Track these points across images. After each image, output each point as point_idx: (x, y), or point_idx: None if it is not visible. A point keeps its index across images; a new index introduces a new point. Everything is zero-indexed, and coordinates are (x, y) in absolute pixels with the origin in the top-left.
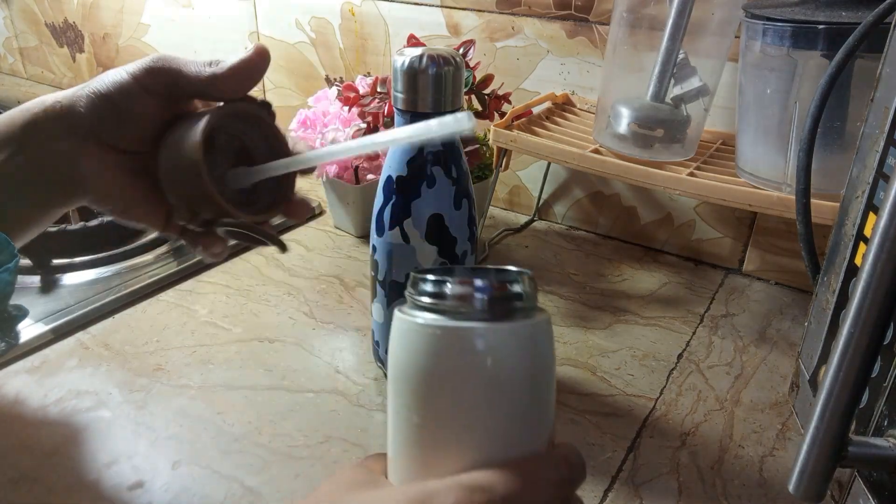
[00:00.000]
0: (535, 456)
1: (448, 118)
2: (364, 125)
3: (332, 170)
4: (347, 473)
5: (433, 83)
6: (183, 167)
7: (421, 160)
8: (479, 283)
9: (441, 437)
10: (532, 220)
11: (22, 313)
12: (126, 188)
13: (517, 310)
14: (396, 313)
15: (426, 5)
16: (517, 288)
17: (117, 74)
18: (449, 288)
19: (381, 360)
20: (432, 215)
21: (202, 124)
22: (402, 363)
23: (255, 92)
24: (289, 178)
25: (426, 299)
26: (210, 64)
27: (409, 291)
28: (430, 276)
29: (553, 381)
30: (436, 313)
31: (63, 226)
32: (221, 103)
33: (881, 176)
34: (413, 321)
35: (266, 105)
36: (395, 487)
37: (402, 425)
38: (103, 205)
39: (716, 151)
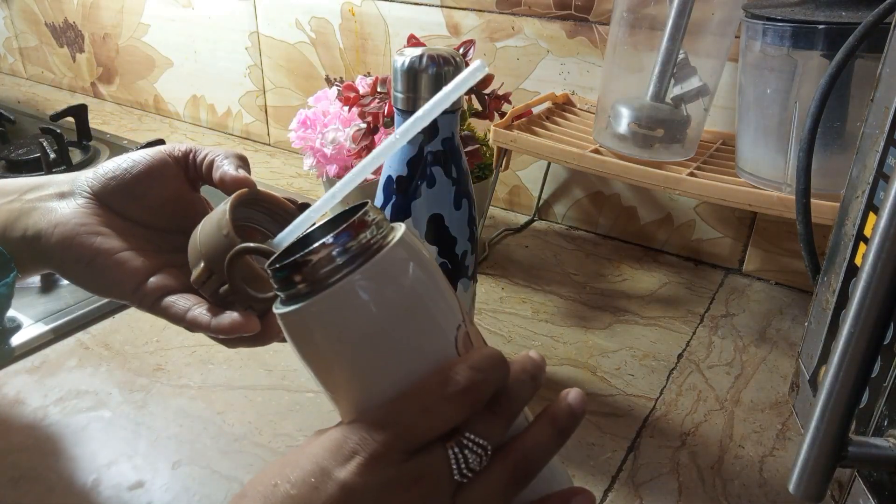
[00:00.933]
0: (434, 373)
1: (463, 72)
2: (364, 125)
3: (332, 170)
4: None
5: (433, 83)
6: (217, 238)
7: (421, 160)
8: (297, 269)
9: (344, 398)
10: (532, 220)
11: (15, 325)
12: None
13: (367, 248)
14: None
15: (426, 5)
16: (351, 235)
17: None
18: (279, 280)
19: None
20: (432, 215)
21: (229, 203)
22: (296, 354)
23: (254, 90)
24: None
25: (283, 291)
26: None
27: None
28: (280, 266)
29: (434, 290)
30: (289, 301)
31: None
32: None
33: (881, 176)
34: (282, 313)
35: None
36: (319, 438)
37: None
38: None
39: (716, 151)
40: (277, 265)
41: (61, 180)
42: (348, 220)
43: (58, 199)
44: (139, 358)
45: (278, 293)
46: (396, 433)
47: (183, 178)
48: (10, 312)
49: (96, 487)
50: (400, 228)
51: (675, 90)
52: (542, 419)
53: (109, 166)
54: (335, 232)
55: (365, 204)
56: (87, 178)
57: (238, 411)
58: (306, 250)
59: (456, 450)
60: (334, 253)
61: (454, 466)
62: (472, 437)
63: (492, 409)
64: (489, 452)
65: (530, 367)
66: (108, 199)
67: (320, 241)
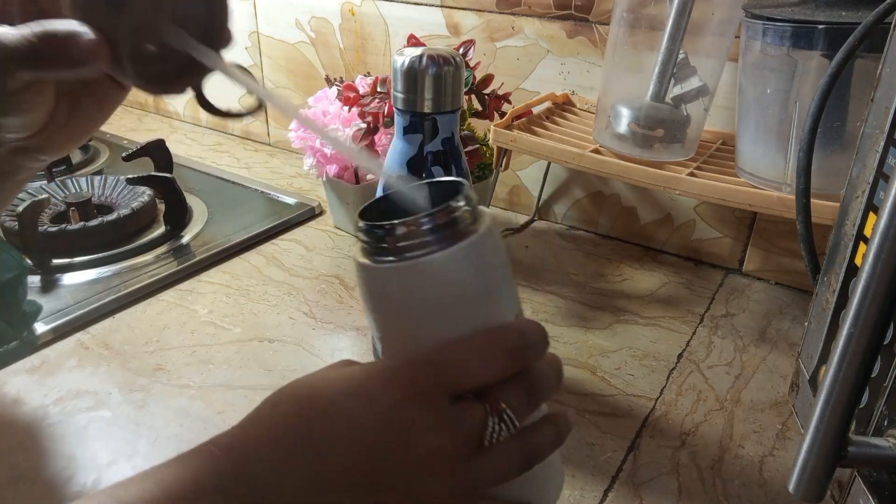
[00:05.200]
0: (487, 330)
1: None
2: (364, 125)
3: (332, 170)
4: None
5: (433, 83)
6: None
7: (421, 160)
8: (404, 228)
9: (400, 348)
10: (532, 220)
11: (36, 308)
12: None
13: (457, 231)
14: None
15: (426, 5)
16: (448, 216)
17: None
18: (370, 235)
19: None
20: None
21: None
22: (364, 300)
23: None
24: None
25: (369, 246)
26: None
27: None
28: (374, 226)
29: (504, 279)
30: (377, 255)
31: (63, 226)
32: None
33: (881, 176)
34: (363, 264)
35: None
36: (361, 367)
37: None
38: None
39: (716, 151)
40: (373, 224)
41: None
42: (445, 192)
43: None
44: (139, 358)
45: (364, 243)
46: (446, 372)
47: None
48: (29, 295)
49: (96, 487)
50: (488, 216)
51: (675, 90)
52: (548, 421)
53: None
54: (435, 211)
55: (463, 184)
56: None
57: (238, 411)
58: (406, 220)
59: (495, 419)
60: (428, 228)
61: (488, 432)
62: (509, 412)
63: (528, 392)
64: (516, 427)
65: (557, 364)
66: None
67: (420, 216)
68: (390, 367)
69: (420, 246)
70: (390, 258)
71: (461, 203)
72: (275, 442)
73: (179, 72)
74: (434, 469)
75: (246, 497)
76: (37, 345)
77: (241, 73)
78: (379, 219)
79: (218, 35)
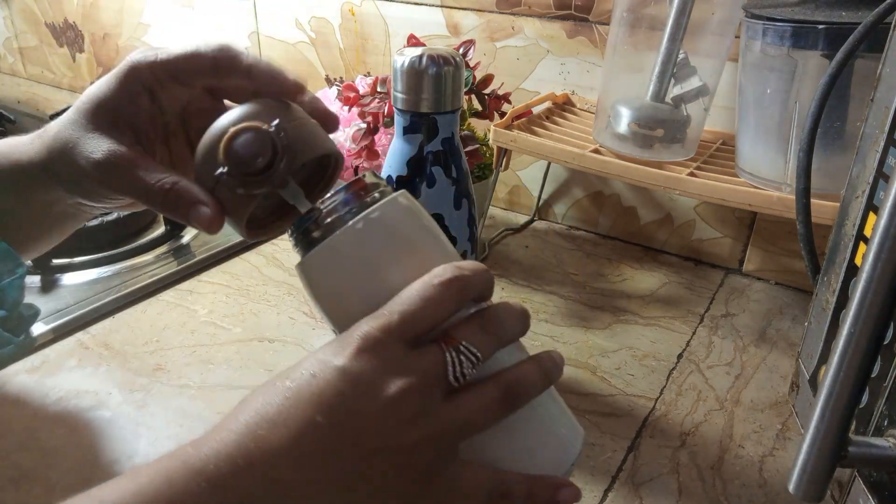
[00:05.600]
0: (430, 274)
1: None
2: (364, 125)
3: None
4: None
5: (433, 83)
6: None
7: (421, 160)
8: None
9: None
10: (532, 220)
11: (34, 312)
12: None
13: (366, 203)
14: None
15: (426, 5)
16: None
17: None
18: (297, 235)
19: None
20: (432, 215)
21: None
22: (311, 296)
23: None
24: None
25: (299, 245)
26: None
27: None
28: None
29: (427, 234)
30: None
31: None
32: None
33: (881, 176)
34: (298, 263)
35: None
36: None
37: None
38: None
39: (716, 151)
40: (294, 225)
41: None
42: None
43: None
44: (139, 358)
45: (299, 250)
46: (393, 320)
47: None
48: (26, 298)
49: None
50: (398, 193)
51: (675, 90)
52: (528, 359)
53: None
54: (336, 189)
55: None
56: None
57: None
58: (313, 206)
59: (452, 353)
60: (338, 205)
61: (450, 367)
62: (466, 344)
63: (483, 326)
64: (480, 361)
65: (519, 307)
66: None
67: (327, 197)
68: (341, 336)
69: (337, 223)
70: (318, 243)
71: (365, 181)
72: (242, 426)
73: (277, 219)
74: (403, 413)
75: (216, 481)
76: (33, 348)
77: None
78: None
79: (323, 187)
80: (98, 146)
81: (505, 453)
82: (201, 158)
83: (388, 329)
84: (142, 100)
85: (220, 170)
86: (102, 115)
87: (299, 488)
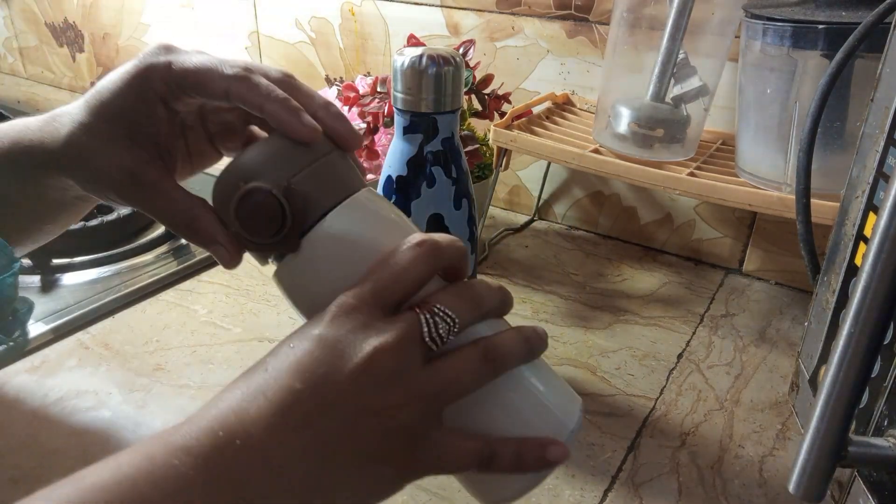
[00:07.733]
0: (401, 243)
1: None
2: (364, 125)
3: None
4: None
5: (433, 83)
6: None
7: (421, 160)
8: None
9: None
10: (532, 220)
11: (27, 306)
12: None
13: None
14: None
15: (426, 5)
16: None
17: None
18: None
19: None
20: (432, 215)
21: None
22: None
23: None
24: None
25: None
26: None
27: None
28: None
29: (396, 220)
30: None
31: None
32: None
33: (881, 176)
34: (275, 270)
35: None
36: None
37: None
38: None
39: (716, 151)
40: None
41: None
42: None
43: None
44: (139, 358)
45: (273, 260)
46: (366, 287)
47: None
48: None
49: None
50: (357, 194)
51: (675, 90)
52: (510, 328)
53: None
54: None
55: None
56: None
57: None
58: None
59: (427, 315)
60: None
61: (425, 329)
62: (441, 307)
63: (459, 294)
64: (457, 324)
65: (496, 284)
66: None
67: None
68: (329, 311)
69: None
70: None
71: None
72: (224, 403)
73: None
74: (380, 372)
75: (196, 452)
76: (28, 347)
77: None
78: None
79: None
80: (119, 162)
81: (497, 424)
82: (217, 203)
83: (361, 296)
84: (158, 108)
85: (234, 228)
86: (119, 124)
87: (283, 455)
